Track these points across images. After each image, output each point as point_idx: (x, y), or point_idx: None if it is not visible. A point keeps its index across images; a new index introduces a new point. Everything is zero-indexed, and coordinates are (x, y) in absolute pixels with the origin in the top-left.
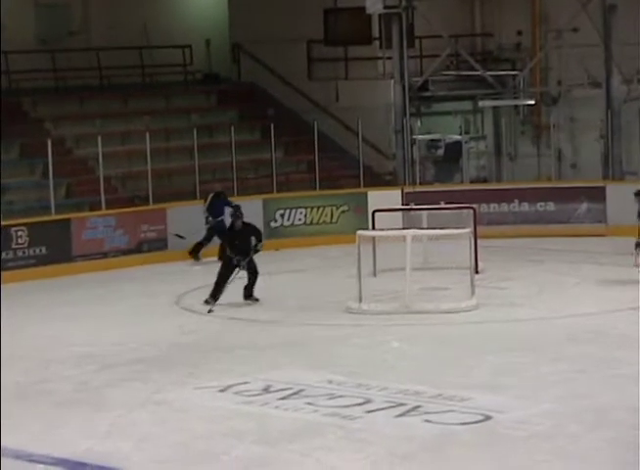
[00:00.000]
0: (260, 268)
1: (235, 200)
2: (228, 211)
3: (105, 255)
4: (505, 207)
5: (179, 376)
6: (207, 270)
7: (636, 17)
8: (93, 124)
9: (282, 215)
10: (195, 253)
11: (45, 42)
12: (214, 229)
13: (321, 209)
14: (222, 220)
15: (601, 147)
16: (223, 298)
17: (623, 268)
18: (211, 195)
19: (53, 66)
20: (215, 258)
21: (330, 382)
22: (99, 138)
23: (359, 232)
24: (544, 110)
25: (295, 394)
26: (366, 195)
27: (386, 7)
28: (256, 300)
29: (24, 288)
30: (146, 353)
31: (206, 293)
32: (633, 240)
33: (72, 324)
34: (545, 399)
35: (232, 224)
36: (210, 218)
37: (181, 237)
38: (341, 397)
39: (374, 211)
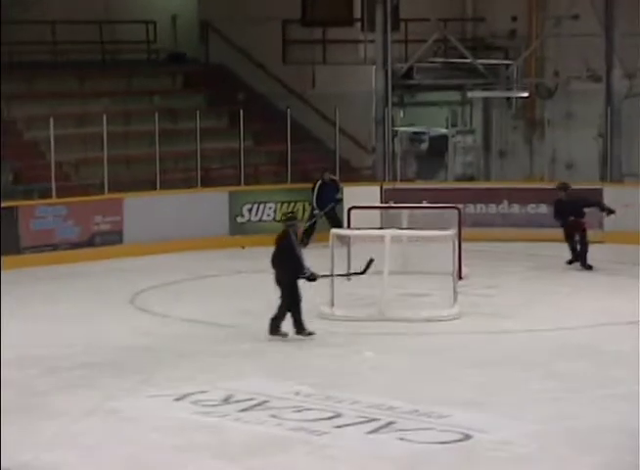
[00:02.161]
0: (224, 266)
1: (199, 192)
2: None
3: (54, 247)
4: (493, 208)
5: (132, 382)
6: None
7: None
8: (45, 105)
9: (249, 210)
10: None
11: None
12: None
13: (292, 204)
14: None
15: (599, 146)
16: (186, 298)
17: (621, 278)
18: (319, 182)
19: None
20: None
21: (297, 393)
22: (51, 120)
23: (333, 230)
24: (539, 103)
25: (257, 405)
26: (342, 190)
27: None
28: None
29: None
30: (96, 357)
31: (163, 291)
32: (632, 247)
33: (16, 323)
34: (531, 418)
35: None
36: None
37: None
38: (308, 410)
39: (350, 209)
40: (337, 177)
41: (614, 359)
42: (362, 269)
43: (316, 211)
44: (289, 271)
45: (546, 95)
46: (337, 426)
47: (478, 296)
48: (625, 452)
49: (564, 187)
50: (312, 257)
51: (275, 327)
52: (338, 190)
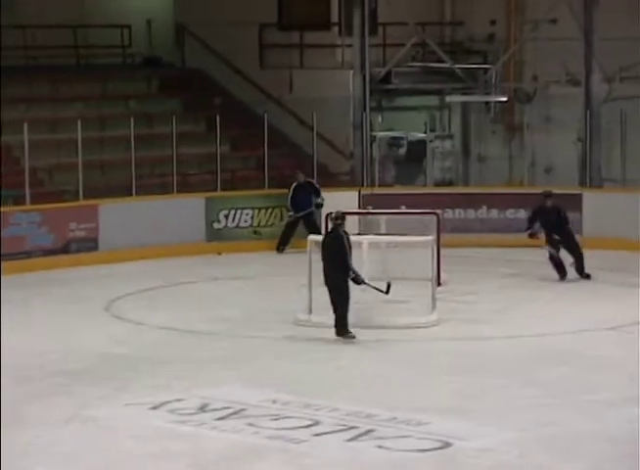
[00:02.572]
0: (201, 273)
1: (175, 198)
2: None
3: (28, 254)
4: (472, 213)
5: (107, 391)
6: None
7: (620, 9)
8: (18, 110)
9: (226, 216)
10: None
11: None
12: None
13: (270, 210)
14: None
15: (578, 150)
16: (162, 305)
17: (601, 284)
18: (294, 184)
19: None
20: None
21: (274, 401)
22: (25, 125)
23: (311, 237)
24: (518, 108)
25: (234, 413)
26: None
27: None
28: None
29: None
30: (72, 365)
31: (139, 298)
32: (611, 253)
33: None
34: (512, 425)
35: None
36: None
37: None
38: (286, 418)
39: (327, 214)
40: (313, 180)
41: (594, 365)
42: (385, 291)
43: (290, 214)
44: (339, 270)
45: (525, 99)
46: (315, 434)
47: (457, 302)
48: (606, 459)
49: (549, 194)
50: (289, 262)
51: (341, 331)
52: (317, 194)
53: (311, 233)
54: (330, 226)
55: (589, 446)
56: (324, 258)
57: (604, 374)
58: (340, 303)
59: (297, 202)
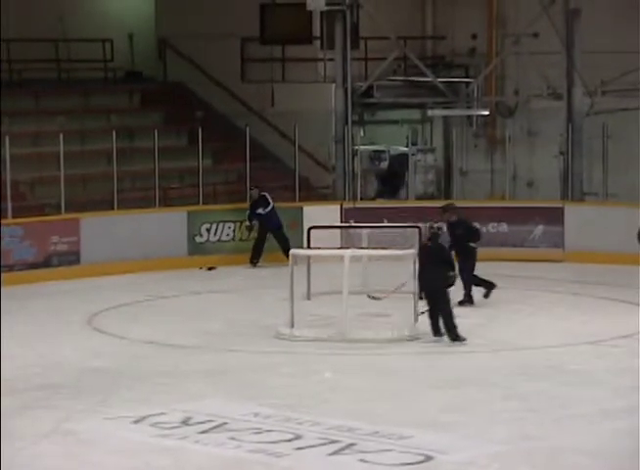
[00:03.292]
0: (183, 287)
1: (157, 211)
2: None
3: (10, 268)
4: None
5: (89, 404)
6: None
7: (601, 23)
8: (0, 123)
9: (208, 230)
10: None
11: None
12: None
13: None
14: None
15: (560, 164)
16: (144, 319)
17: (582, 298)
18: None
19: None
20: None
21: (256, 415)
22: (6, 138)
23: (293, 251)
24: (499, 121)
25: (217, 427)
26: (302, 210)
27: (328, 4)
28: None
29: None
30: (53, 378)
31: (120, 312)
32: (593, 266)
33: None
34: (493, 439)
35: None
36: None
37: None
38: (268, 431)
39: (310, 228)
40: (266, 193)
41: (575, 380)
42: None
43: (247, 224)
44: (442, 278)
45: (507, 113)
46: (297, 448)
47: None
48: None
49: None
50: (270, 275)
51: (455, 335)
52: (267, 204)
53: (282, 247)
54: (428, 236)
55: (569, 460)
56: (425, 266)
57: (585, 388)
58: (445, 309)
59: (252, 214)
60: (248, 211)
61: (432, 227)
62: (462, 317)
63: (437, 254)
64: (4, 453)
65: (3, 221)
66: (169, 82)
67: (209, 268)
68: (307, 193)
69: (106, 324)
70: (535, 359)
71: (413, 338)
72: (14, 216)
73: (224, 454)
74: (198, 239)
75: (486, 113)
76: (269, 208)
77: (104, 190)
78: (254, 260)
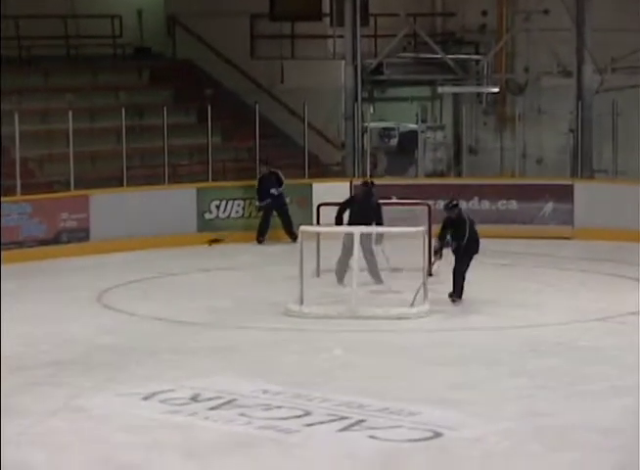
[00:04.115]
0: (192, 264)
1: (166, 188)
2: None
3: (19, 245)
4: (463, 204)
5: (98, 381)
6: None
7: (611, 0)
8: (10, 101)
9: (217, 207)
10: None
11: None
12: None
13: None
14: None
15: (569, 142)
16: (153, 296)
17: (591, 275)
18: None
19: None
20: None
21: (265, 392)
22: (16, 116)
23: (302, 227)
24: (509, 99)
25: (226, 404)
26: (311, 187)
27: None
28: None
29: None
30: (62, 355)
31: (130, 288)
32: (602, 244)
33: None
34: (503, 416)
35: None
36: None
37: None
38: (277, 408)
39: (319, 205)
40: (279, 170)
41: (585, 356)
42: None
43: (257, 203)
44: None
45: (517, 91)
46: (307, 424)
47: (448, 293)
48: (596, 450)
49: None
50: (279, 252)
51: (456, 294)
52: (280, 184)
53: (284, 224)
54: (452, 208)
55: (580, 436)
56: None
57: (594, 365)
58: (459, 269)
59: (262, 192)
60: (257, 190)
61: (449, 202)
62: (470, 293)
63: (459, 223)
64: (13, 430)
65: (12, 198)
66: (178, 59)
67: (212, 241)
68: (317, 170)
69: (115, 301)
70: (544, 336)
71: (422, 315)
72: (22, 193)
73: (234, 431)
74: (207, 216)
75: (496, 90)
76: (282, 187)
77: (113, 167)
78: (260, 238)
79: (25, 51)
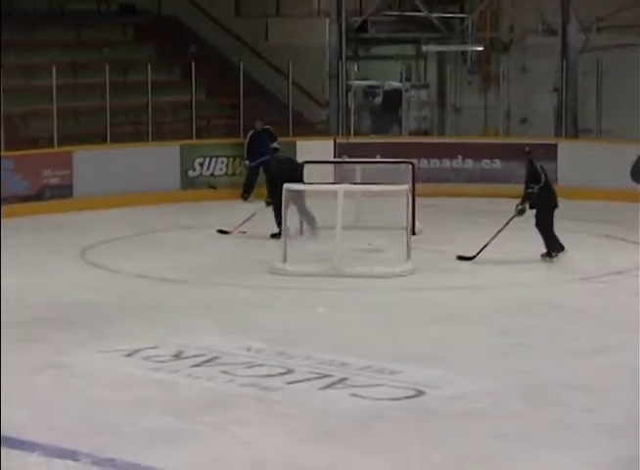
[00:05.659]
0: (175, 221)
1: (150, 145)
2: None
3: (1, 201)
4: (447, 163)
5: (82, 338)
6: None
7: None
8: None
9: (201, 164)
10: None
11: None
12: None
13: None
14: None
15: (554, 101)
16: (136, 253)
17: (574, 234)
18: (250, 132)
19: None
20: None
21: (248, 349)
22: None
23: (286, 185)
24: (494, 58)
25: (209, 361)
26: (295, 144)
27: None
28: None
29: None
30: (46, 312)
31: (113, 245)
32: (587, 203)
33: None
34: (485, 374)
35: None
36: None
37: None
38: (260, 365)
39: (303, 163)
40: (270, 127)
41: (568, 315)
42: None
43: (246, 162)
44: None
45: (501, 49)
46: (289, 382)
47: (431, 252)
48: (579, 408)
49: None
50: (263, 210)
51: (550, 249)
52: (273, 140)
53: (269, 183)
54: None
55: (562, 394)
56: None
57: (577, 324)
58: (541, 225)
59: (254, 150)
60: (247, 148)
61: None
62: (454, 252)
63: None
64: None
65: None
66: (163, 16)
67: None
68: (301, 128)
69: (99, 258)
70: (529, 295)
71: (405, 274)
72: (6, 149)
73: (216, 388)
74: (191, 173)
75: (481, 48)
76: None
77: (97, 123)
78: (245, 195)
79: (8, 6)
